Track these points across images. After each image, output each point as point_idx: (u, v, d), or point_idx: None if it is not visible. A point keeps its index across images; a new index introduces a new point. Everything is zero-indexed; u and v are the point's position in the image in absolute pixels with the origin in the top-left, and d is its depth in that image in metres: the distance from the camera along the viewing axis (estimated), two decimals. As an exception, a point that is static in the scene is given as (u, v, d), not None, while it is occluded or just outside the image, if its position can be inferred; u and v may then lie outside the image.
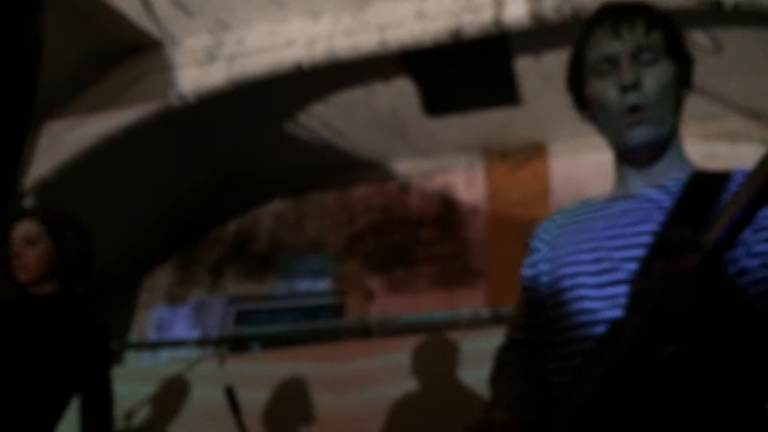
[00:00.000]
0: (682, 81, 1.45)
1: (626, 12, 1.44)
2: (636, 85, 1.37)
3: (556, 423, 1.24)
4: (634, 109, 1.38)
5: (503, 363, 1.53)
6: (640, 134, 1.39)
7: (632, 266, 1.28)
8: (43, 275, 2.31)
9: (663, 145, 1.43)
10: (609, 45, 1.42)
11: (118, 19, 4.31)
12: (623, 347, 1.14)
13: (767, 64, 4.05)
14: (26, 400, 2.16)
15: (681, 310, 1.07)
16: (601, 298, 1.31)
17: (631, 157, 1.45)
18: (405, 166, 5.29)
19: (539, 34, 4.01)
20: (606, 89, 1.41)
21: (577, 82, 1.52)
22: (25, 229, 2.31)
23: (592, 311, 1.30)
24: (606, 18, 1.45)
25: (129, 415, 3.73)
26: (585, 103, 1.51)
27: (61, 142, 4.55)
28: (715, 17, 3.75)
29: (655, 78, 1.39)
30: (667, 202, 1.35)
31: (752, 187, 1.00)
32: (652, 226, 1.31)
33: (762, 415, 1.20)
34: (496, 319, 3.89)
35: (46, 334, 2.26)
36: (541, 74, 4.41)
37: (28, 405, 2.16)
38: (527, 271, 1.58)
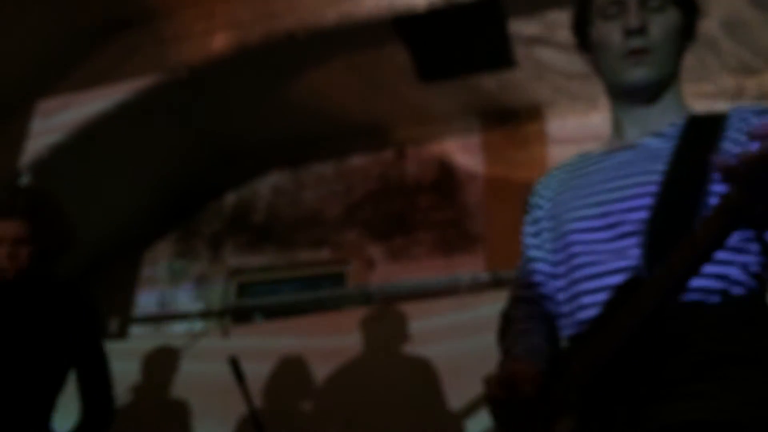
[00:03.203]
0: (687, 32, 1.46)
1: None
2: (641, 30, 1.38)
3: (578, 373, 1.24)
4: (637, 52, 1.38)
5: (510, 319, 1.53)
6: (639, 73, 1.39)
7: (639, 216, 1.29)
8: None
9: (661, 88, 1.43)
10: None
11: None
12: (662, 285, 1.14)
13: (758, 20, 4.02)
14: (19, 386, 2.16)
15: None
16: (610, 251, 1.32)
17: (628, 99, 1.45)
18: (401, 134, 5.27)
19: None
20: (611, 32, 1.42)
21: (582, 23, 1.51)
22: (14, 230, 2.22)
23: (602, 263, 1.32)
24: None
25: (133, 390, 3.76)
26: (588, 45, 1.51)
27: (55, 120, 4.52)
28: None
29: (661, 25, 1.39)
30: (666, 149, 1.35)
31: None
32: (655, 176, 1.31)
33: None
34: (495, 284, 3.90)
35: (30, 317, 2.24)
36: (536, 36, 4.37)
37: (22, 390, 2.17)
38: (529, 228, 1.58)
